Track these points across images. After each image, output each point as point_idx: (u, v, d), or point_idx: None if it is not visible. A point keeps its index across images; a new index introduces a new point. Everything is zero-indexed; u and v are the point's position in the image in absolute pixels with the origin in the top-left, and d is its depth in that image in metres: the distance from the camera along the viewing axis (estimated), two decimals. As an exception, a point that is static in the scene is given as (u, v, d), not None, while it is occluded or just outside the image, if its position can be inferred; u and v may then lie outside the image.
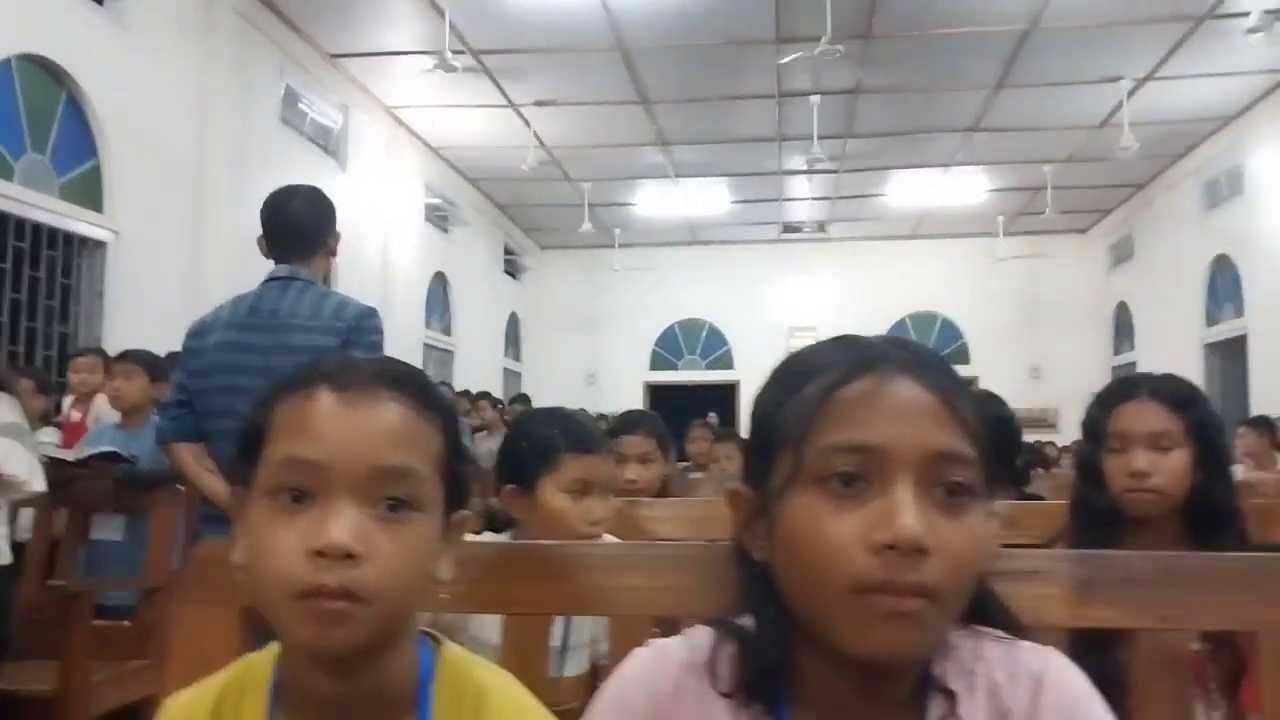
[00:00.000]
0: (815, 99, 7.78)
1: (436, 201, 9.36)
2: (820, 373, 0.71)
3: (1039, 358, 11.91)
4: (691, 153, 9.36)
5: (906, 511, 0.65)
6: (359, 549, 0.69)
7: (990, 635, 0.75)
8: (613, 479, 1.61)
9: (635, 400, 11.71)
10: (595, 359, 12.41)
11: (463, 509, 0.81)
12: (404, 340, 8.49)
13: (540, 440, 1.58)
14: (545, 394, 11.26)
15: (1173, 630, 1.04)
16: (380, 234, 8.27)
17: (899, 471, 0.67)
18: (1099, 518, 1.54)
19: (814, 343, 0.78)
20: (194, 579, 1.10)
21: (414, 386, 0.78)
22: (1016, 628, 0.77)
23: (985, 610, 0.75)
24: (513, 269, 12.08)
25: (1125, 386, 1.58)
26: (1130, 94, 7.63)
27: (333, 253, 2.57)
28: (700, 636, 0.77)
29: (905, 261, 12.32)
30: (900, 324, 12.64)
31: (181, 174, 5.78)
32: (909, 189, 10.43)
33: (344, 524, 0.70)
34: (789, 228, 12.10)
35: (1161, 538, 1.51)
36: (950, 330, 12.62)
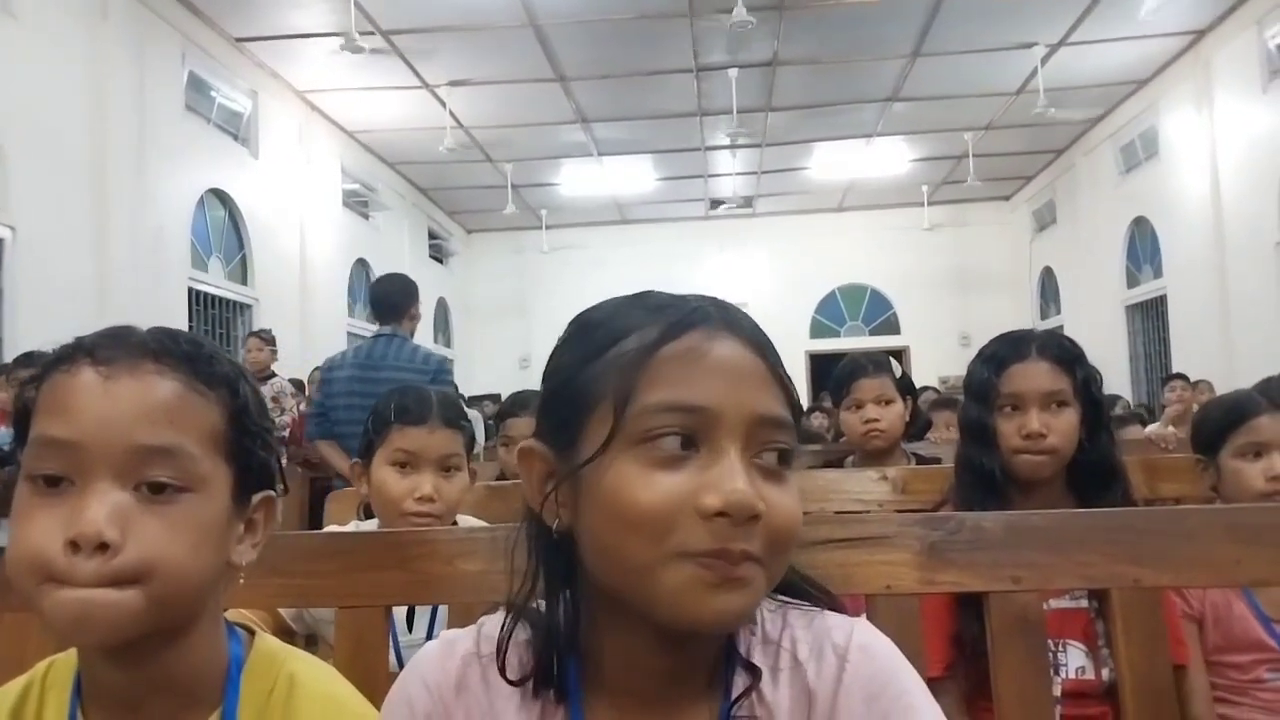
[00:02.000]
0: (733, 72, 7.75)
1: (354, 187, 9.15)
2: (633, 331, 0.66)
3: (968, 325, 12.10)
4: (613, 130, 9.27)
5: (739, 477, 0.62)
6: (113, 536, 0.65)
7: (796, 607, 0.71)
8: (447, 457, 1.54)
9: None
10: (528, 343, 12.28)
11: (265, 489, 0.77)
12: (326, 329, 8.31)
13: (376, 414, 1.55)
14: (478, 380, 11.14)
15: (1026, 591, 1.00)
16: (296, 221, 8.05)
17: (728, 435, 0.63)
18: (988, 479, 1.52)
19: (607, 300, 0.73)
20: (9, 585, 1.03)
21: (185, 358, 0.72)
22: (828, 597, 0.73)
23: (791, 581, 0.71)
24: (439, 254, 11.88)
25: (1014, 345, 1.55)
26: (1044, 60, 7.72)
27: (416, 318, 3.84)
28: (491, 625, 0.72)
29: (833, 234, 12.40)
30: (830, 296, 12.76)
31: (81, 166, 5.56)
32: (832, 161, 10.47)
33: (98, 510, 0.65)
34: (716, 203, 12.09)
35: (1048, 498, 1.50)
36: (880, 301, 12.76)
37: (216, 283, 6.94)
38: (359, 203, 9.41)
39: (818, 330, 12.63)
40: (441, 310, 12.00)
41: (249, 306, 7.31)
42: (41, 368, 0.72)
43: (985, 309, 12.01)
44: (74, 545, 0.65)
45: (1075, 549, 1.01)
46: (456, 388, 8.00)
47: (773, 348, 0.67)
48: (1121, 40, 7.59)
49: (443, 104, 8.15)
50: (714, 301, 0.69)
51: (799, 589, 0.72)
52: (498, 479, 2.19)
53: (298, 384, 6.38)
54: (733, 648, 0.69)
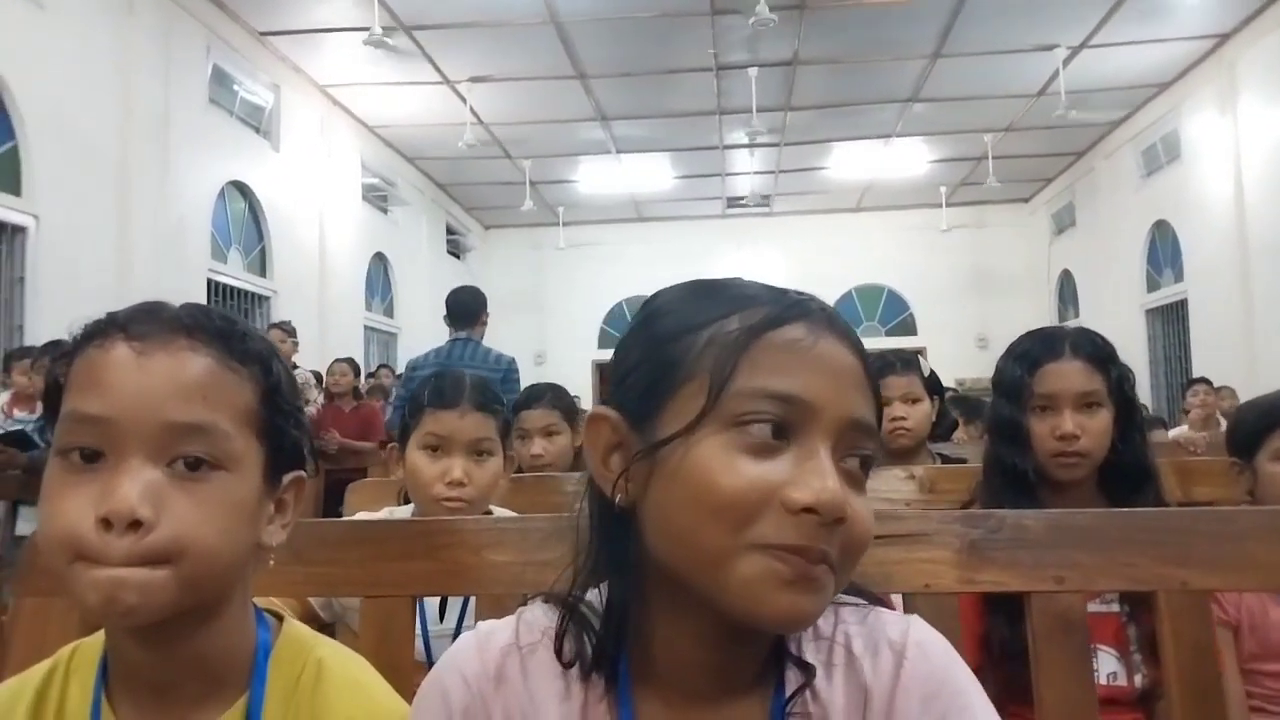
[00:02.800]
0: (753, 71, 7.72)
1: (374, 181, 9.16)
2: (747, 306, 0.64)
3: (985, 327, 12.02)
4: (632, 128, 9.25)
5: (830, 476, 0.60)
6: (147, 513, 0.64)
7: (848, 602, 0.70)
8: (479, 440, 1.53)
9: (585, 381, 11.64)
10: (543, 339, 12.29)
11: (297, 469, 0.75)
12: (344, 323, 8.33)
13: (412, 398, 1.55)
14: (493, 376, 11.14)
15: (1069, 592, 0.98)
16: (316, 214, 8.08)
17: (822, 432, 0.61)
18: (1021, 480, 1.49)
19: (702, 279, 0.71)
20: (31, 570, 1.02)
21: (219, 335, 0.71)
22: (870, 598, 0.71)
23: None
24: (456, 249, 11.90)
25: (1048, 344, 1.51)
26: (1066, 61, 7.66)
27: (485, 324, 4.25)
28: (532, 614, 0.70)
29: (850, 234, 12.35)
30: (847, 296, 12.70)
31: (104, 157, 5.60)
32: (851, 161, 10.42)
33: (131, 487, 0.64)
34: (733, 202, 12.06)
35: (1080, 499, 1.47)
36: (897, 302, 12.70)
37: (236, 274, 6.97)
38: (378, 197, 9.43)
39: (834, 330, 12.58)
40: (458, 306, 12.01)
41: (268, 298, 7.34)
42: (73, 342, 0.70)
43: (1003, 311, 11.93)
44: (106, 523, 0.64)
45: (1120, 550, 0.99)
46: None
47: (867, 353, 0.66)
48: (1145, 43, 7.52)
49: (463, 100, 8.16)
50: (813, 297, 0.67)
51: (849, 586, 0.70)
52: (516, 473, 2.18)
53: (316, 375, 6.40)
54: (784, 644, 0.67)
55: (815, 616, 0.62)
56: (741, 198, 11.91)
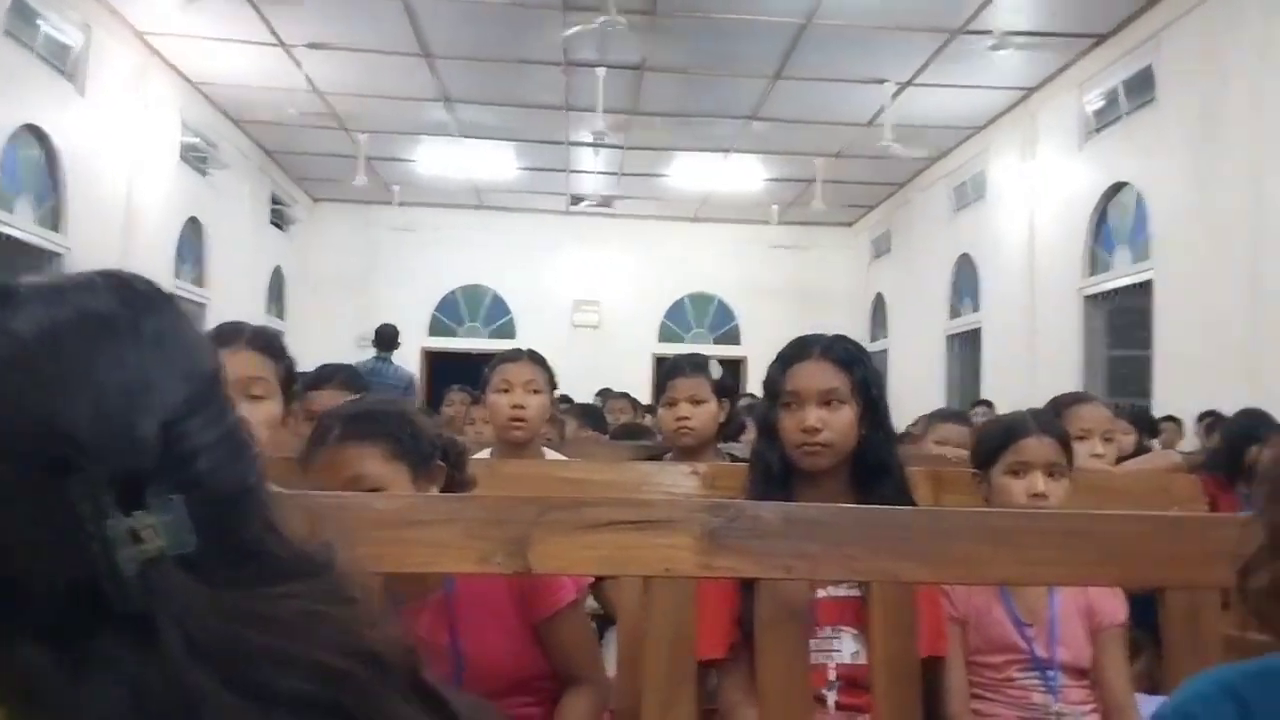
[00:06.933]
0: (601, 71, 7.77)
1: (194, 140, 8.63)
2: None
3: (805, 342, 12.56)
4: (477, 113, 9.13)
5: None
6: None
7: None
8: (251, 382, 1.52)
9: (413, 368, 11.36)
10: (369, 321, 11.79)
11: None
12: (149, 289, 7.80)
13: None
14: (311, 356, 10.68)
15: (796, 580, 1.06)
16: (125, 170, 7.53)
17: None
18: (772, 472, 1.61)
19: None
20: None
21: None
22: None
23: None
24: (280, 220, 11.36)
25: (799, 347, 1.67)
26: (893, 97, 8.12)
27: (399, 346, 6.29)
28: None
29: (687, 242, 12.65)
30: (680, 303, 13.01)
31: None
32: (691, 171, 10.67)
33: None
34: (576, 199, 12.11)
35: (830, 491, 1.59)
36: (725, 312, 13.10)
37: (22, 226, 6.40)
38: (197, 158, 8.88)
39: (665, 335, 12.84)
40: (277, 279, 11.48)
41: (59, 255, 6.78)
42: None
43: (822, 327, 11.74)
44: None
45: (845, 543, 1.08)
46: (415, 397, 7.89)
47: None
48: (963, 88, 8.08)
49: (298, 65, 7.82)
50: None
51: None
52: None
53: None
54: None
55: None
56: (585, 196, 11.97)
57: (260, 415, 1.49)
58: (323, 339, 11.23)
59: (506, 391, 2.30)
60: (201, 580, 0.42)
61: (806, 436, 1.57)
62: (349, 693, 0.41)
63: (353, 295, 12.13)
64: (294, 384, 1.59)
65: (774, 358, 1.70)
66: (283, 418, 1.57)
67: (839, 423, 1.57)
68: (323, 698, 0.41)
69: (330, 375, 2.18)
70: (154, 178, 8.03)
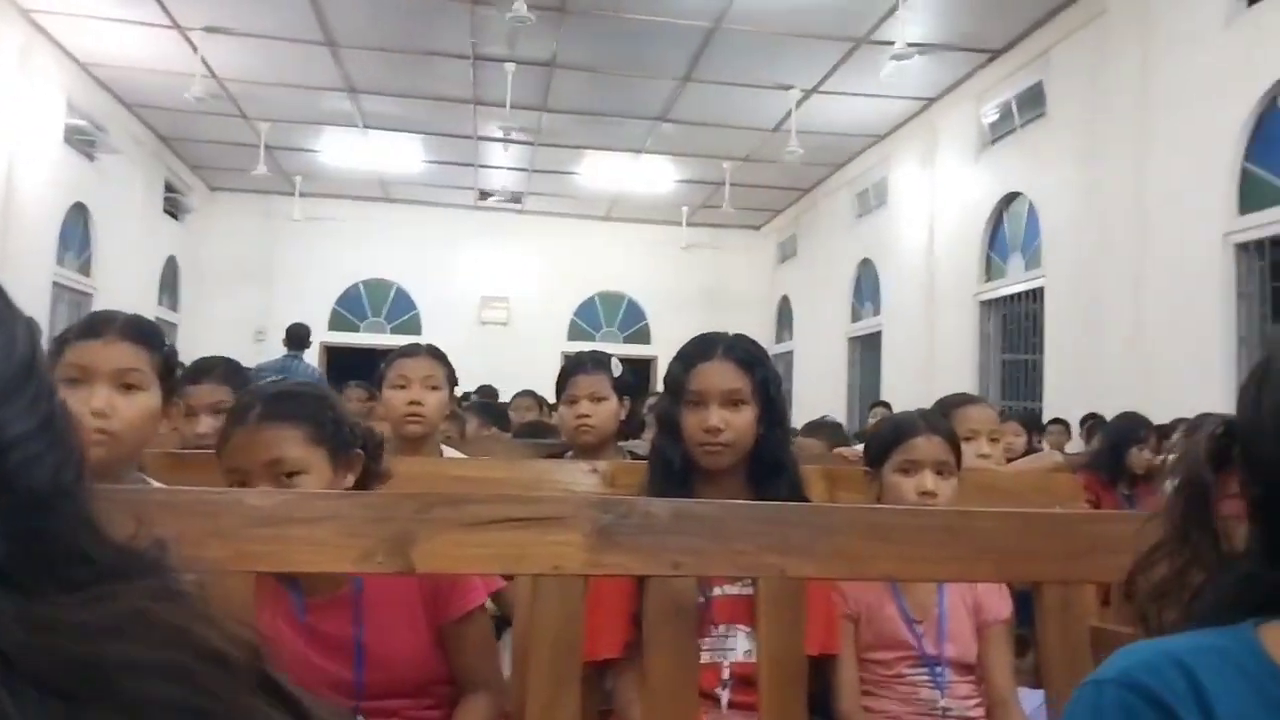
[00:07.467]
0: (510, 67, 7.71)
1: (81, 123, 8.22)
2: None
3: (713, 342, 12.69)
4: (382, 104, 8.94)
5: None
6: None
7: None
8: (125, 373, 1.43)
9: (311, 361, 11.06)
10: (267, 314, 11.54)
11: None
12: (27, 278, 7.41)
13: (58, 336, 1.52)
14: (205, 348, 10.29)
15: (683, 577, 1.06)
16: (3, 151, 7.13)
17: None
18: (673, 469, 1.62)
19: None
20: None
21: None
22: None
23: None
24: (174, 208, 10.91)
25: (702, 346, 1.68)
26: (799, 103, 8.27)
27: (310, 345, 6.90)
28: None
29: (597, 241, 12.65)
30: (590, 302, 12.99)
31: None
32: (602, 170, 10.67)
33: None
34: (485, 194, 11.97)
35: (728, 488, 1.61)
36: (635, 311, 13.14)
37: (-111, 207, 6.01)
38: (84, 141, 8.46)
39: (576, 333, 12.80)
40: (170, 270, 11.04)
41: (-70, 240, 6.39)
42: None
43: (729, 328, 12.13)
44: None
45: (733, 539, 1.08)
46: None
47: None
48: (866, 96, 8.27)
49: (194, 48, 7.52)
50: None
51: None
52: (181, 448, 2.01)
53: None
54: None
55: None
56: (494, 192, 11.84)
57: (136, 407, 1.42)
58: (219, 332, 10.85)
59: (404, 387, 2.25)
60: (10, 590, 0.38)
61: (709, 436, 1.59)
62: (188, 690, 0.39)
63: (251, 288, 11.76)
64: (174, 375, 1.52)
65: (676, 355, 1.70)
66: (163, 410, 1.50)
67: (740, 422, 1.60)
68: (160, 696, 0.38)
69: (209, 368, 2.08)
70: (35, 160, 7.62)
